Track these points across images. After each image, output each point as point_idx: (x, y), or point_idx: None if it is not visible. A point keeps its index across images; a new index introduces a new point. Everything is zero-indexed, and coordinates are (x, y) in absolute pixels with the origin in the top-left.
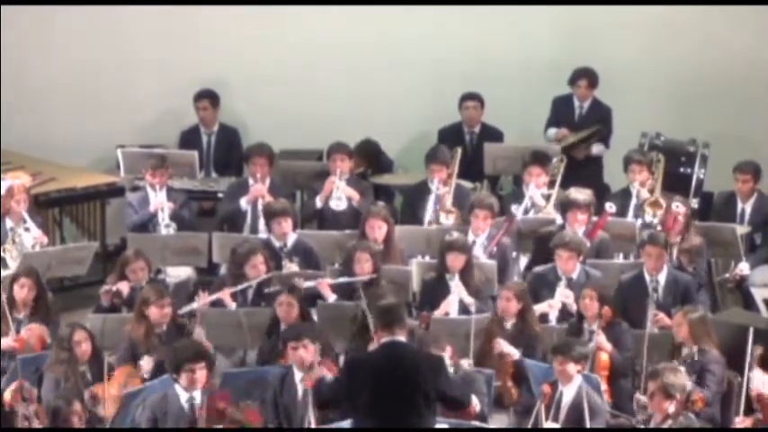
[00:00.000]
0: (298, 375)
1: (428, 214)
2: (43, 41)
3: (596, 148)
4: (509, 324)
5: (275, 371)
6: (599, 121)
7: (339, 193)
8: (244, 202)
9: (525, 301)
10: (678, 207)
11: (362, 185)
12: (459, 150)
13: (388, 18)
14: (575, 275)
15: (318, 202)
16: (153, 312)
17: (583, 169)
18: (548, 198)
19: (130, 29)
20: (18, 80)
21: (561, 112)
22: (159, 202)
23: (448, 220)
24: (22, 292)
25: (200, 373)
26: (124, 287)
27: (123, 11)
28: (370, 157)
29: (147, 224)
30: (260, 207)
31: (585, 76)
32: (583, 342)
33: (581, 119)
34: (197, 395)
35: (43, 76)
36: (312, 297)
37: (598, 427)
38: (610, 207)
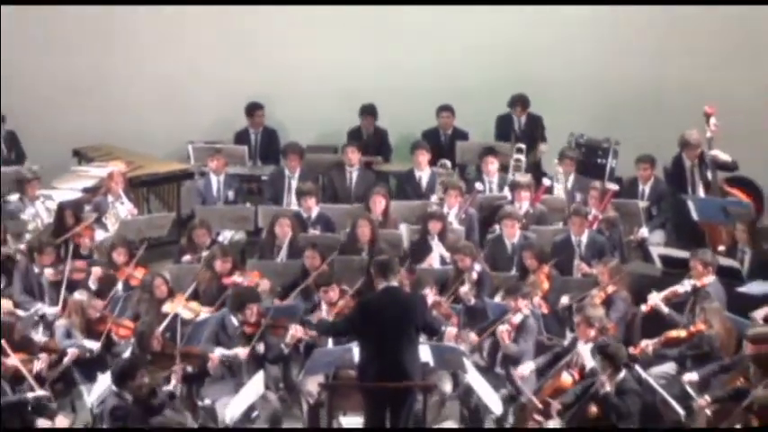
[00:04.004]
0: (324, 308)
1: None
2: (135, 62)
3: (543, 147)
4: (472, 276)
5: (303, 306)
6: (534, 129)
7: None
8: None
9: (474, 255)
10: (610, 185)
11: (368, 176)
12: (449, 163)
13: (389, 52)
14: (515, 239)
15: None
16: (218, 265)
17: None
18: (501, 185)
19: (200, 54)
20: (117, 92)
21: (503, 127)
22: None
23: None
24: (120, 257)
25: (255, 309)
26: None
27: (194, 38)
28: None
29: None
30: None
31: (520, 102)
32: (525, 284)
33: (520, 131)
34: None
35: (134, 89)
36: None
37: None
38: (547, 182)
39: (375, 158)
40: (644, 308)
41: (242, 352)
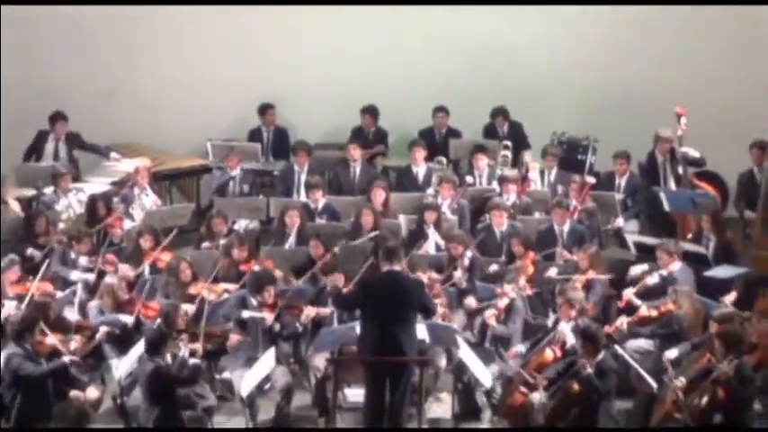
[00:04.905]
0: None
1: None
2: (159, 68)
3: (527, 156)
4: (464, 261)
5: (312, 289)
6: (517, 135)
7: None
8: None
9: (466, 243)
10: (589, 179)
11: (370, 171)
12: (444, 159)
13: (390, 57)
14: (504, 228)
15: None
16: (235, 252)
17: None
18: (490, 179)
19: (217, 59)
20: (142, 95)
21: (490, 134)
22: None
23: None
24: (146, 243)
25: (273, 292)
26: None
27: (212, 45)
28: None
29: (226, 186)
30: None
31: (501, 114)
32: (510, 269)
33: (504, 136)
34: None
35: (158, 92)
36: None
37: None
38: (532, 178)
39: (378, 148)
40: (620, 304)
41: (268, 316)
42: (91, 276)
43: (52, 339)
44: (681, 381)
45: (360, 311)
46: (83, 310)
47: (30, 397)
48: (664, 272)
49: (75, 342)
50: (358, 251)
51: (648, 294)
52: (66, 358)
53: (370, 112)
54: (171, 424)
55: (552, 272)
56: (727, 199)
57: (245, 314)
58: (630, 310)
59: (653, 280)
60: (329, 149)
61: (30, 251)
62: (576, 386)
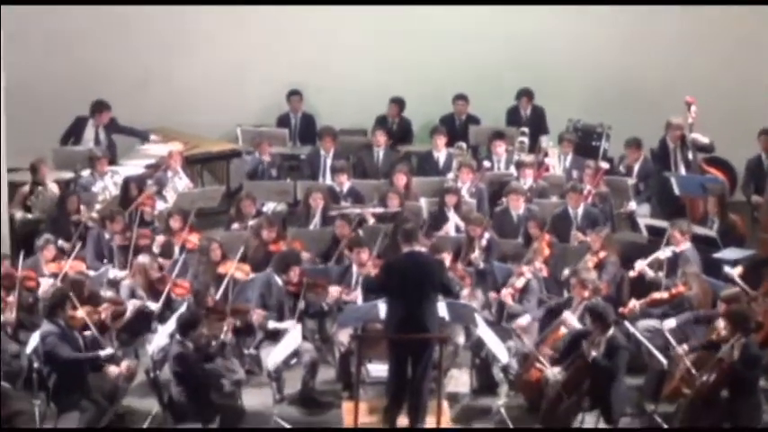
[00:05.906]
0: (354, 269)
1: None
2: (193, 58)
3: (544, 141)
4: (482, 242)
5: (338, 268)
6: (538, 119)
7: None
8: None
9: (484, 225)
10: (603, 164)
11: (393, 156)
12: (464, 144)
13: (412, 48)
14: (520, 211)
15: None
16: (265, 233)
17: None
18: (508, 164)
19: (248, 50)
20: (176, 84)
21: (513, 118)
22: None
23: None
24: (176, 223)
25: (298, 270)
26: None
27: (242, 37)
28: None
29: (257, 169)
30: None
31: (526, 95)
32: (527, 251)
33: (527, 120)
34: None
35: (191, 81)
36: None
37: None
38: (551, 163)
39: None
40: (632, 273)
41: (292, 325)
42: (122, 274)
43: (82, 312)
44: (683, 348)
45: (384, 289)
46: (115, 286)
47: (65, 373)
48: (676, 249)
49: (105, 311)
50: (380, 232)
51: (661, 267)
52: (101, 353)
53: (398, 102)
54: (198, 399)
55: (566, 272)
56: (735, 184)
57: (271, 325)
58: (642, 286)
59: (665, 254)
60: (354, 135)
61: (60, 243)
62: (584, 362)
